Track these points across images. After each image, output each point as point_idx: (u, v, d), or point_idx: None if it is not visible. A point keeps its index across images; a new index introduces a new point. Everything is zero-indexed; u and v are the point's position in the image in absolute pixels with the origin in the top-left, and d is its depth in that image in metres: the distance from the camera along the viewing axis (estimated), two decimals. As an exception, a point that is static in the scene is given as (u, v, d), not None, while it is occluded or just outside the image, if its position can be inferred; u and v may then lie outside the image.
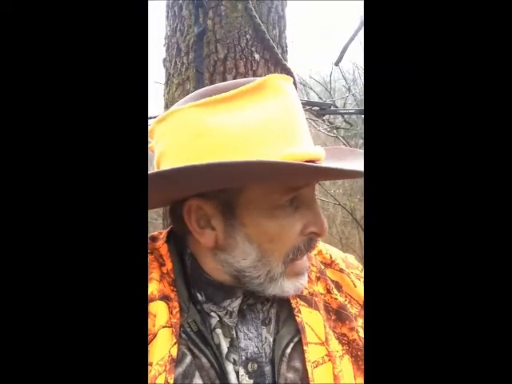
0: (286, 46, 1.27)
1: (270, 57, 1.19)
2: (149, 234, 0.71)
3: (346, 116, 5.17)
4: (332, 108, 1.44)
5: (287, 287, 0.58)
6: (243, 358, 0.58)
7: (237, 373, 0.57)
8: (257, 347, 0.59)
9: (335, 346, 0.61)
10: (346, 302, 0.66)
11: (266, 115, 0.53)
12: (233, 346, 0.59)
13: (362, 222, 5.92)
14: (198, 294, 0.61)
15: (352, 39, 2.54)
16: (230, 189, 0.56)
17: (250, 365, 0.58)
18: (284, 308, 0.64)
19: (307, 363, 0.58)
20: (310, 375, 0.57)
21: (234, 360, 0.58)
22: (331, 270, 0.69)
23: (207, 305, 0.61)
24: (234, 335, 0.59)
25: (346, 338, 0.63)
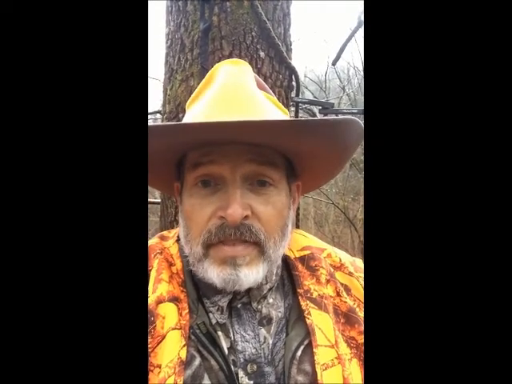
0: (291, 44, 1.26)
1: (274, 54, 1.18)
2: (158, 234, 0.70)
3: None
4: (334, 108, 1.44)
5: (211, 273, 0.58)
6: (241, 360, 0.58)
7: (236, 374, 0.56)
8: (255, 348, 0.59)
9: (344, 349, 0.61)
10: (355, 306, 0.66)
11: (204, 98, 0.65)
12: (231, 347, 0.59)
13: (355, 221, 5.96)
14: (201, 292, 0.61)
15: (350, 39, 2.54)
16: (184, 167, 0.64)
17: (249, 366, 0.58)
18: (294, 310, 0.63)
19: (316, 365, 0.58)
20: (319, 377, 0.57)
21: (234, 361, 0.58)
22: (340, 273, 0.69)
23: (204, 300, 0.61)
24: (232, 337, 0.59)
25: (354, 342, 0.63)
